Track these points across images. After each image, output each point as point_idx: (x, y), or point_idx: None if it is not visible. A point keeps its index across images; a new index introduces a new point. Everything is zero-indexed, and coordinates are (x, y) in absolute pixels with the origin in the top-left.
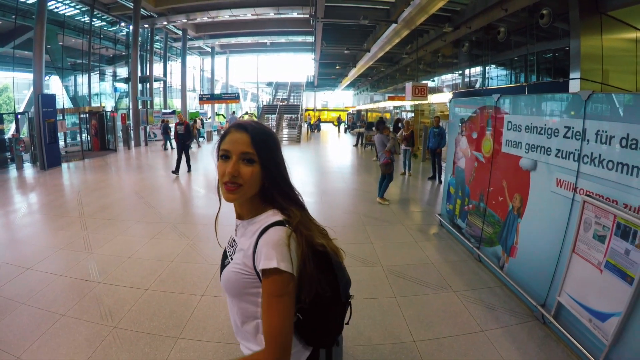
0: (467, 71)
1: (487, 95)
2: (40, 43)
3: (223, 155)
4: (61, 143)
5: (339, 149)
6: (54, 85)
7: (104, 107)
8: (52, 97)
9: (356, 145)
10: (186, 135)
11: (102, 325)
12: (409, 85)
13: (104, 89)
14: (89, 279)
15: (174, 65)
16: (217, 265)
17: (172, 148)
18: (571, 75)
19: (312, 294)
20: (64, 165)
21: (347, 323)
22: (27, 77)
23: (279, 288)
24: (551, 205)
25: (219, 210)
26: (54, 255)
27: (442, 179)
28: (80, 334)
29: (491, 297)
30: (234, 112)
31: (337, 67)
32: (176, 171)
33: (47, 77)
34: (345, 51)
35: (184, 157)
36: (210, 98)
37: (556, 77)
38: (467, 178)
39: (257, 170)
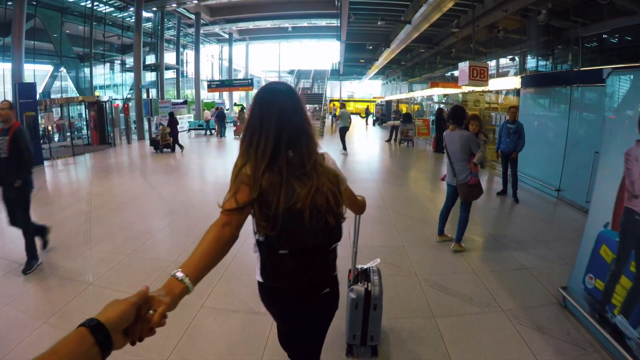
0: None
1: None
2: (20, 27)
3: None
4: (56, 137)
5: (369, 145)
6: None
7: (98, 96)
8: (31, 87)
9: (389, 140)
10: (16, 159)
11: None
12: (464, 66)
13: (117, 80)
14: None
15: (190, 54)
16: None
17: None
18: None
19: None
20: (47, 163)
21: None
22: (45, 68)
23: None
24: None
25: None
26: None
27: (518, 195)
28: None
29: None
30: None
31: (369, 47)
32: (29, 256)
33: (62, 69)
34: (380, 22)
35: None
36: (219, 85)
37: None
38: None
39: None
